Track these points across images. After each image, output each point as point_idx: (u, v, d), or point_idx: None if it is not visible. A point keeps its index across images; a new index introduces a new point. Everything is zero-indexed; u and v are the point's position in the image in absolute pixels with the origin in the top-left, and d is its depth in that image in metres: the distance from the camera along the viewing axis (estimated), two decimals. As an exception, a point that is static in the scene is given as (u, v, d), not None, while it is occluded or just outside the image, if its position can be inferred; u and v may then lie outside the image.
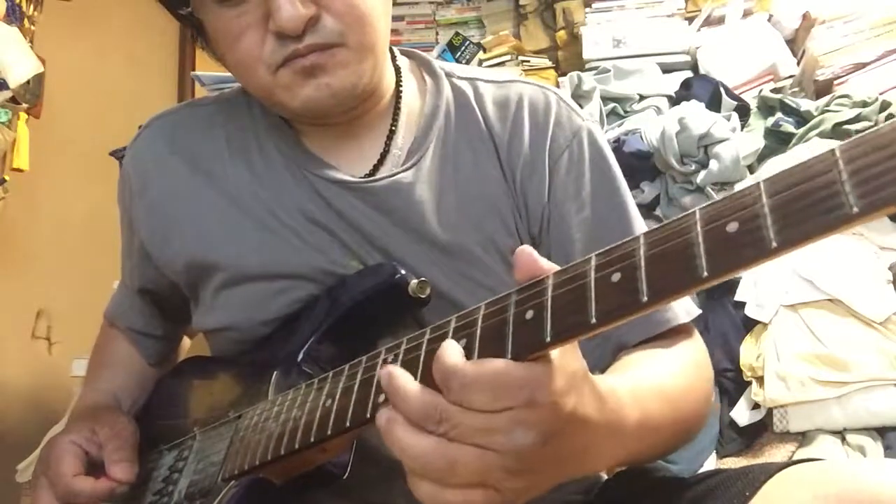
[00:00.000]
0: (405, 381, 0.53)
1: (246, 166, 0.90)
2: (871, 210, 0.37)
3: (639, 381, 0.68)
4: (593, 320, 0.47)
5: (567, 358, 0.53)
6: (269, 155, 0.90)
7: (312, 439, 0.65)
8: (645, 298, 0.45)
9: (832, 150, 0.39)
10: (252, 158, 0.90)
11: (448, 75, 0.94)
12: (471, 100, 0.92)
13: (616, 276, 0.47)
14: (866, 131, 0.39)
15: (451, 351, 0.52)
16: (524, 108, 0.91)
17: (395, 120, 0.90)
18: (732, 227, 0.42)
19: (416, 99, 0.93)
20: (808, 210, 0.39)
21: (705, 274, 0.43)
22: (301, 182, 0.88)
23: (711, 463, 1.66)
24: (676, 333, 0.84)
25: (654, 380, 0.72)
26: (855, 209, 0.37)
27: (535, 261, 0.54)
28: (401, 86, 0.92)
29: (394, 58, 0.93)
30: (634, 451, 0.67)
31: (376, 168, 0.88)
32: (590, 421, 0.55)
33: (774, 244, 0.40)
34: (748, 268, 0.42)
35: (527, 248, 0.54)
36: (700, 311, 0.88)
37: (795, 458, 1.59)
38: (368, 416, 0.59)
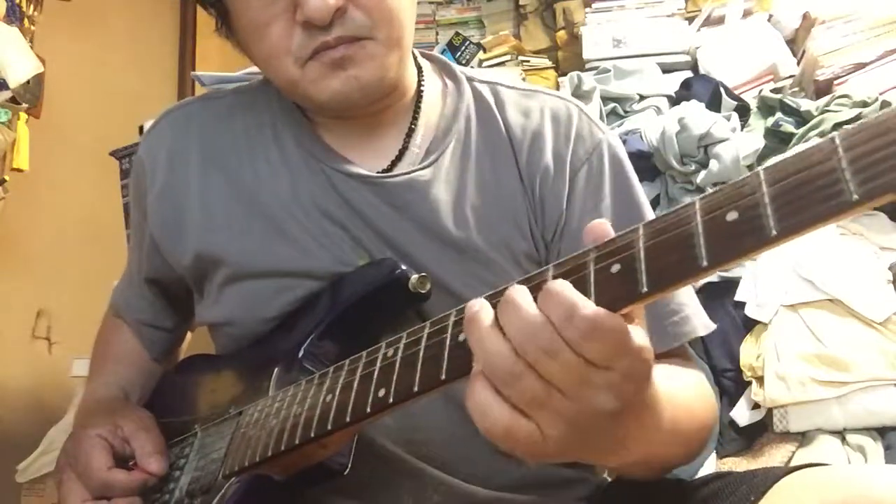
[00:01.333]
0: (527, 297, 0.50)
1: (262, 159, 0.90)
2: (872, 197, 0.37)
3: (672, 390, 0.67)
4: None
5: None
6: (286, 148, 0.90)
7: (312, 434, 0.65)
8: (644, 289, 0.45)
9: (832, 138, 0.40)
10: (269, 151, 0.91)
11: (469, 79, 0.95)
12: (492, 105, 0.92)
13: (616, 267, 0.47)
14: (866, 119, 0.39)
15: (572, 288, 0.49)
16: (546, 118, 0.91)
17: (415, 118, 0.91)
18: (732, 216, 0.42)
19: (437, 100, 0.93)
20: (808, 198, 0.39)
21: (705, 263, 0.43)
22: (317, 175, 0.88)
23: (711, 463, 1.66)
24: (687, 360, 0.85)
25: (682, 393, 0.72)
26: (855, 196, 0.38)
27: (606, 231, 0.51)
28: (422, 85, 0.92)
29: (415, 57, 0.94)
30: (652, 455, 0.66)
31: (394, 164, 0.89)
32: (645, 411, 0.55)
33: (774, 232, 0.40)
34: (748, 256, 0.42)
35: (601, 221, 0.52)
36: (715, 326, 0.89)
37: (795, 458, 1.59)
38: (368, 410, 0.59)
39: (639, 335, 0.49)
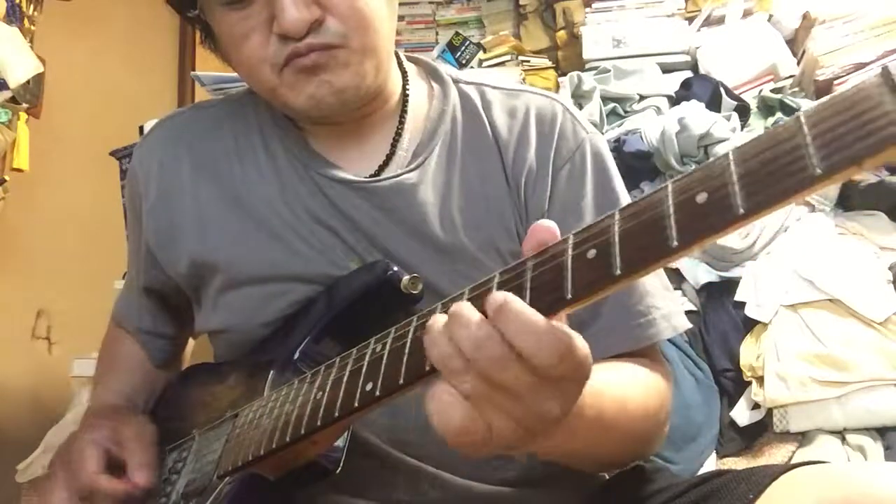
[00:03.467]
0: (470, 309, 0.51)
1: (252, 166, 0.91)
2: (835, 170, 0.38)
3: (603, 384, 0.68)
4: (569, 295, 0.48)
5: None
6: (275, 154, 0.91)
7: (303, 431, 0.65)
8: (618, 271, 0.46)
9: (797, 116, 0.40)
10: (258, 158, 0.91)
11: (455, 81, 0.96)
12: (478, 106, 0.93)
13: (591, 253, 0.48)
14: (831, 95, 0.39)
15: (519, 301, 0.50)
16: (531, 117, 0.92)
17: (401, 122, 0.91)
18: (702, 197, 0.43)
19: (423, 103, 0.94)
20: (774, 175, 0.40)
21: (675, 244, 0.44)
22: (306, 181, 0.89)
23: (711, 463, 1.66)
24: (654, 361, 0.85)
25: (619, 388, 0.73)
26: (818, 170, 0.38)
27: (549, 230, 0.53)
28: (407, 89, 0.93)
29: (400, 62, 0.95)
30: (576, 448, 0.67)
31: (381, 169, 0.89)
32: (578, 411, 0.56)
33: (742, 210, 0.41)
34: (718, 235, 0.43)
35: (544, 221, 0.54)
36: (690, 326, 0.89)
37: (795, 458, 1.59)
38: (357, 404, 0.60)
39: (580, 341, 0.50)
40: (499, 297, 0.49)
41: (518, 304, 0.49)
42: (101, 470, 0.85)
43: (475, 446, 0.52)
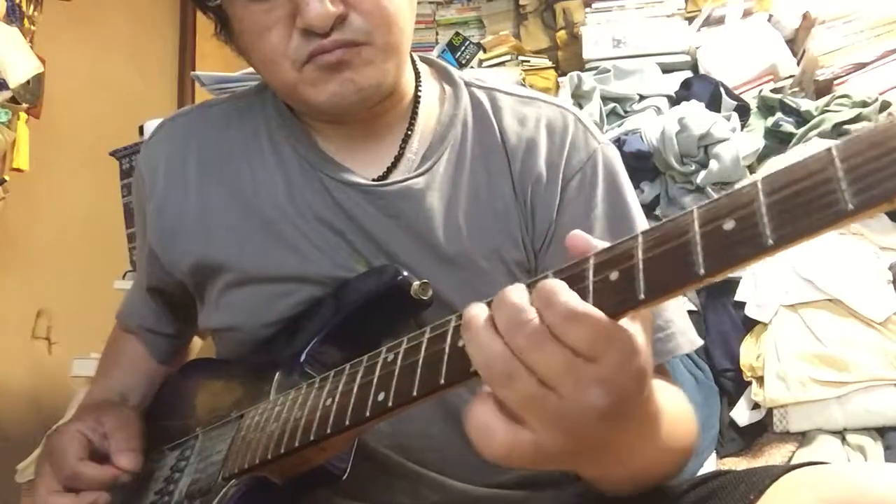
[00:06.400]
0: (519, 291, 0.51)
1: (259, 165, 0.91)
2: (866, 207, 0.38)
3: (665, 406, 0.67)
4: None
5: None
6: (282, 154, 0.90)
7: (312, 437, 0.65)
8: (642, 296, 0.46)
9: (829, 149, 0.40)
10: (265, 157, 0.91)
11: (467, 84, 0.95)
12: (488, 111, 0.92)
13: (614, 275, 0.48)
14: (862, 129, 0.39)
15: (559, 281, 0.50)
16: (542, 126, 0.91)
17: (411, 124, 0.90)
18: (729, 225, 0.43)
19: (435, 105, 0.93)
20: (803, 208, 0.40)
21: (702, 271, 0.43)
22: (313, 182, 0.88)
23: (711, 463, 1.66)
24: (667, 378, 0.84)
25: (672, 410, 0.71)
26: (850, 206, 0.38)
27: (587, 241, 0.53)
28: (420, 90, 0.92)
29: (413, 63, 0.94)
30: (644, 470, 0.66)
31: (389, 171, 0.89)
32: (648, 423, 0.55)
33: (771, 242, 0.41)
34: (745, 265, 0.42)
35: (579, 231, 0.53)
36: (702, 342, 0.89)
37: (795, 458, 1.59)
38: (368, 414, 0.60)
39: (632, 329, 0.49)
40: (542, 282, 0.49)
41: (555, 281, 0.49)
42: (83, 457, 0.85)
43: (524, 461, 0.51)
